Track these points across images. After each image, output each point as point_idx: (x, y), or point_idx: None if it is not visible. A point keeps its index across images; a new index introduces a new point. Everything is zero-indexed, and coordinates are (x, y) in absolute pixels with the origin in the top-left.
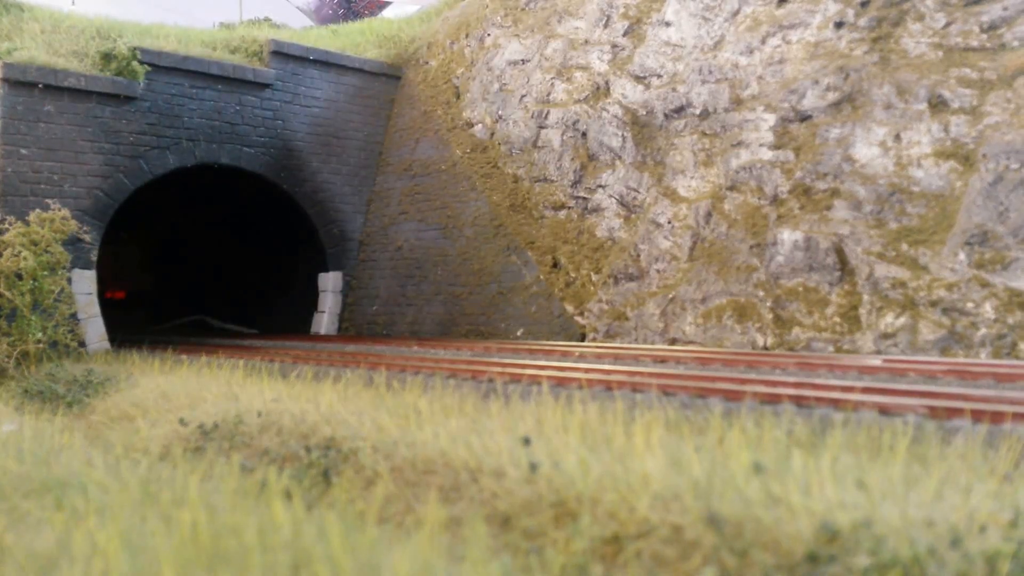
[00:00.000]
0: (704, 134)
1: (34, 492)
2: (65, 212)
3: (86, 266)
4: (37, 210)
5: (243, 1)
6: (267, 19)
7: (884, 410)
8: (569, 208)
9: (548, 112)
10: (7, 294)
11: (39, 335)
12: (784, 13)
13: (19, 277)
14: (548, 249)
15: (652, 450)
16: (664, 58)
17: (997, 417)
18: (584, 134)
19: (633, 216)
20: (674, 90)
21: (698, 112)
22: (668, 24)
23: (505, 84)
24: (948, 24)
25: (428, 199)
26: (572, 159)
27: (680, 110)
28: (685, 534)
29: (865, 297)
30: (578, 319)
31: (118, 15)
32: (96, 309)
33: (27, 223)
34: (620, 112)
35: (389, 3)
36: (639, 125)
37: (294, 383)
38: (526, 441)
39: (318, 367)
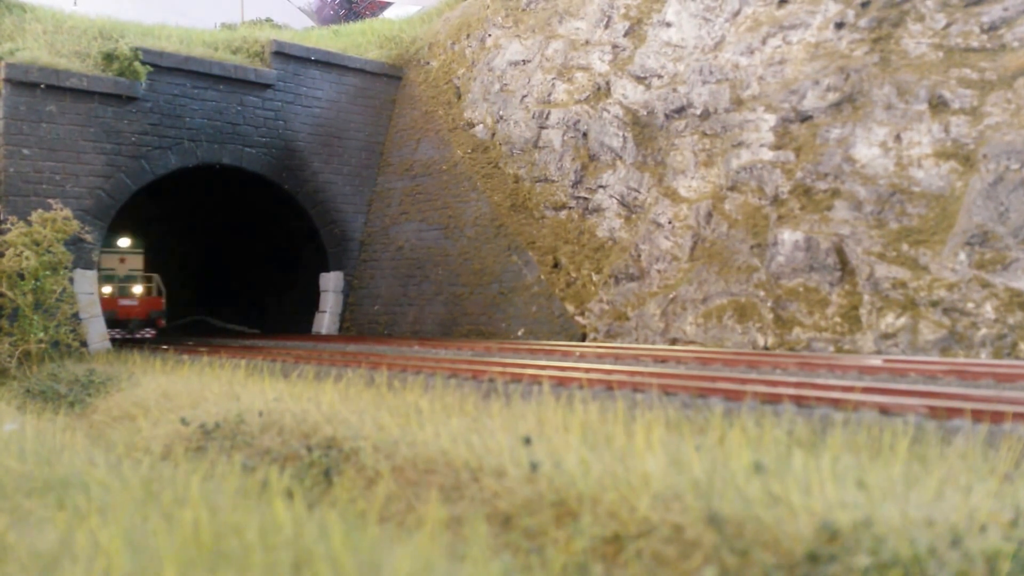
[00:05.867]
0: (705, 134)
1: (36, 491)
2: (67, 212)
3: (88, 266)
4: (39, 210)
5: (244, 2)
6: (268, 20)
7: (884, 410)
8: (570, 208)
9: (549, 112)
10: (9, 294)
11: (41, 335)
12: (784, 14)
13: (21, 277)
14: (549, 249)
15: (653, 450)
16: (665, 58)
17: (997, 417)
18: (585, 134)
19: (634, 216)
20: (675, 90)
21: (699, 112)
22: (669, 25)
23: (506, 84)
24: (948, 24)
25: (429, 199)
26: (573, 159)
27: (681, 110)
28: (686, 533)
29: (865, 297)
30: (579, 319)
31: (120, 15)
32: (98, 309)
33: (29, 223)
34: (621, 112)
35: (390, 4)
36: (640, 125)
37: (295, 383)
38: (527, 441)
39: (319, 367)
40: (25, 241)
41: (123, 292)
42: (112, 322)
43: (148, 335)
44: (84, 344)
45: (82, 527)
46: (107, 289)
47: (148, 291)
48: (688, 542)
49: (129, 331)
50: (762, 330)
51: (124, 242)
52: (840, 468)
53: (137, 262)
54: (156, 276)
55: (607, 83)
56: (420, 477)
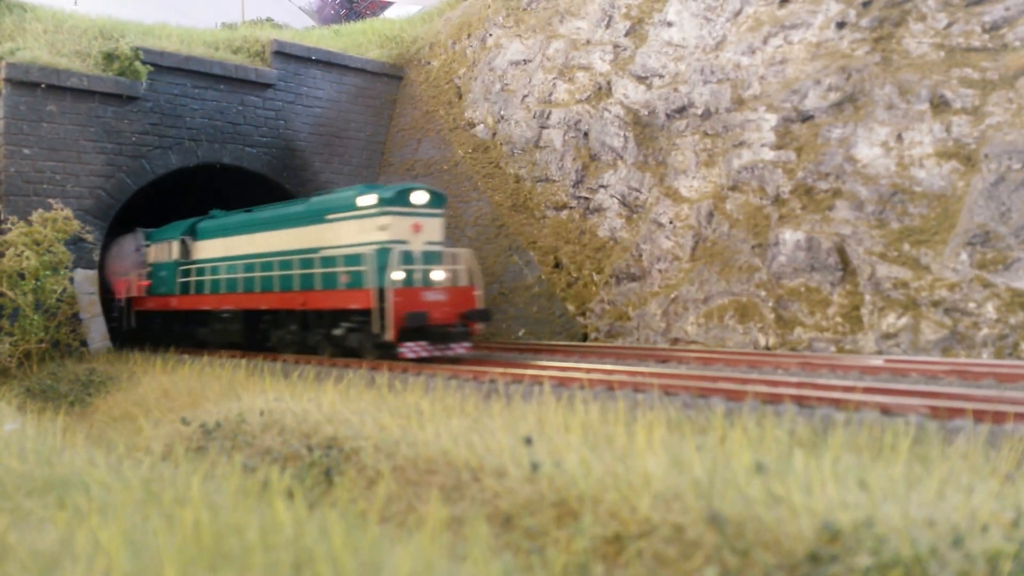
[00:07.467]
0: (706, 134)
1: (37, 491)
2: (67, 212)
3: (88, 266)
4: (40, 210)
5: (245, 1)
6: (269, 19)
7: (886, 410)
8: (571, 208)
9: (550, 112)
10: (9, 294)
11: (41, 335)
12: (786, 13)
13: (21, 277)
14: (550, 249)
15: (654, 450)
16: (666, 58)
17: (999, 417)
18: (586, 134)
19: (635, 216)
20: (676, 90)
21: (700, 112)
22: (670, 24)
23: (507, 84)
24: (950, 24)
25: None
26: (574, 159)
27: (682, 110)
28: (687, 534)
29: (867, 297)
30: (580, 319)
31: (120, 15)
32: (98, 309)
33: (30, 223)
34: (622, 112)
35: (391, 3)
36: (641, 125)
37: (296, 383)
38: (528, 441)
39: (320, 367)
40: (26, 241)
41: (426, 280)
42: (415, 332)
43: (462, 350)
44: (84, 344)
45: (82, 527)
46: (399, 275)
47: (455, 277)
48: (689, 542)
49: (443, 344)
50: (763, 330)
51: (420, 197)
52: (841, 468)
53: (437, 229)
54: (465, 251)
55: (608, 83)
56: (421, 477)
